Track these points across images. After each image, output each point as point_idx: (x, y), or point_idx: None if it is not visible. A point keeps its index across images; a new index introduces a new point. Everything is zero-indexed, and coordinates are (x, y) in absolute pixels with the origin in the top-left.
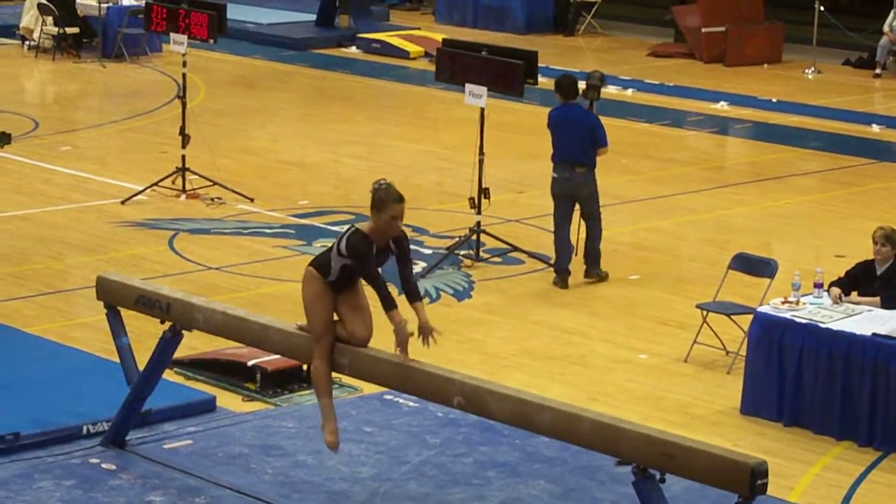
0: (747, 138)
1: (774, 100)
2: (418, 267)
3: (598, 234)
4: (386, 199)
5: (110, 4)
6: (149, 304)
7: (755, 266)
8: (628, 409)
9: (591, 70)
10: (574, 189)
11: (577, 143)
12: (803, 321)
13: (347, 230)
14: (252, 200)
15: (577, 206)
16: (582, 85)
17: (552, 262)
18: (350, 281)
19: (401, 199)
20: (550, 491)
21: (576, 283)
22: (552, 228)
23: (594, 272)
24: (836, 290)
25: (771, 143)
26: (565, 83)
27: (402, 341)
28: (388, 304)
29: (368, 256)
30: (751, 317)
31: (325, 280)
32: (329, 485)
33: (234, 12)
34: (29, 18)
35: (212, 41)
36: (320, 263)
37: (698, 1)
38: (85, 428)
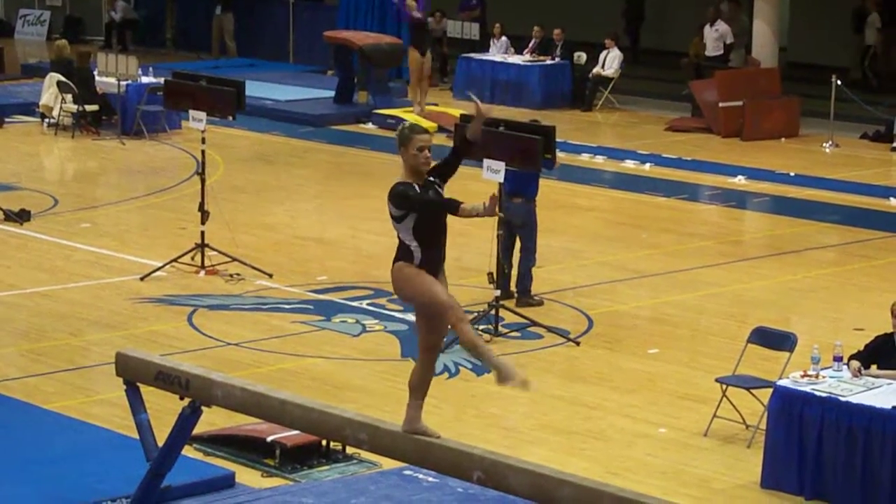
0: (765, 212)
1: (792, 173)
2: None
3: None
4: (409, 133)
5: (129, 82)
6: (168, 380)
7: (774, 340)
8: (648, 484)
9: None
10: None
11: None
12: (823, 395)
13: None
14: (271, 276)
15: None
16: None
17: (570, 335)
18: (433, 241)
19: (424, 131)
20: None
21: (595, 358)
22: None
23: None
24: (855, 364)
25: (789, 217)
26: None
27: (491, 203)
28: (455, 206)
29: (414, 191)
30: (770, 390)
31: (415, 265)
32: None
33: (253, 89)
34: (48, 96)
35: (231, 118)
36: (402, 254)
37: (715, 76)
38: None
